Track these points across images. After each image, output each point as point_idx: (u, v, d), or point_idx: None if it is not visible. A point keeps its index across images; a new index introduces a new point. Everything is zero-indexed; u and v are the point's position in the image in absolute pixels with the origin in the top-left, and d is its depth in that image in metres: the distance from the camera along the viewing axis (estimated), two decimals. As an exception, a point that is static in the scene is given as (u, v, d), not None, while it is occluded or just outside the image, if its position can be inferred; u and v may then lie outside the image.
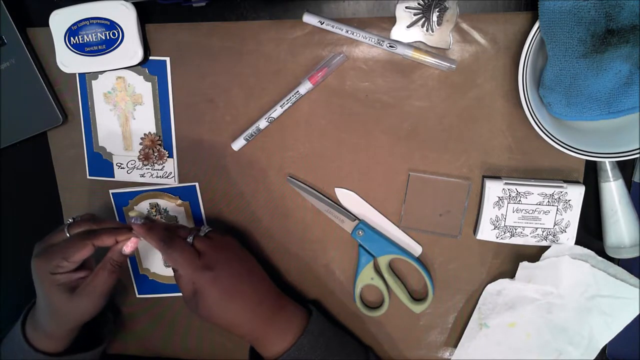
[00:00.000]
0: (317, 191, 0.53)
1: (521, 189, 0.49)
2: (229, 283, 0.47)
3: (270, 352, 0.48)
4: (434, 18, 0.47)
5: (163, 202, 0.57)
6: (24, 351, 0.49)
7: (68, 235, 0.47)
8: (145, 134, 0.55)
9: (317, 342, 0.49)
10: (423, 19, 0.47)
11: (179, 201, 0.57)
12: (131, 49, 0.50)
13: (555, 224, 0.50)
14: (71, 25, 0.50)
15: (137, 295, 0.60)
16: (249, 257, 0.51)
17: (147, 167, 0.56)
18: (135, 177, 0.56)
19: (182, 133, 0.55)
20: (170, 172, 0.56)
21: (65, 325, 0.49)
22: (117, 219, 0.58)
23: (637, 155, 0.44)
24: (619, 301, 0.50)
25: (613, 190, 0.48)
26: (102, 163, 0.56)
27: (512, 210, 0.50)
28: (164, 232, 0.47)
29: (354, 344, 0.55)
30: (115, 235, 0.47)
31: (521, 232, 0.50)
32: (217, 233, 0.50)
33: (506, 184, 0.49)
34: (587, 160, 0.50)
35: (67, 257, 0.46)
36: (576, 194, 0.49)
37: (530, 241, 0.50)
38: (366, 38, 0.48)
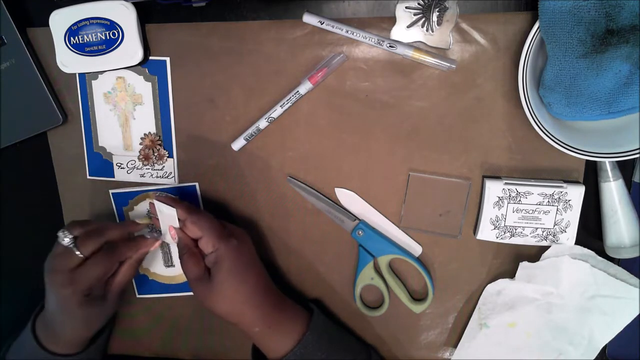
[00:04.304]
0: (317, 191, 0.53)
1: (521, 189, 0.49)
2: (246, 259, 0.48)
3: (275, 351, 0.48)
4: (434, 18, 0.47)
5: (163, 202, 0.57)
6: (37, 353, 0.49)
7: (79, 254, 0.47)
8: (145, 134, 0.55)
9: (321, 339, 0.49)
10: (423, 19, 0.47)
11: (179, 201, 0.57)
12: (131, 49, 0.50)
13: (555, 224, 0.50)
14: (71, 25, 0.50)
15: (137, 295, 0.60)
16: (255, 251, 0.51)
17: (147, 167, 0.56)
18: (135, 177, 0.56)
19: (182, 133, 0.55)
20: (170, 172, 0.56)
21: (91, 331, 0.51)
22: (117, 220, 0.58)
23: (637, 155, 0.44)
24: (619, 301, 0.50)
25: (613, 190, 0.48)
26: (102, 163, 0.56)
27: (512, 210, 0.50)
28: (188, 203, 0.50)
29: (356, 342, 0.55)
30: (132, 243, 0.50)
31: (521, 232, 0.50)
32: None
33: (506, 184, 0.49)
34: (587, 160, 0.50)
35: (101, 278, 0.48)
36: (576, 194, 0.49)
37: (530, 241, 0.50)
38: (366, 38, 0.48)
